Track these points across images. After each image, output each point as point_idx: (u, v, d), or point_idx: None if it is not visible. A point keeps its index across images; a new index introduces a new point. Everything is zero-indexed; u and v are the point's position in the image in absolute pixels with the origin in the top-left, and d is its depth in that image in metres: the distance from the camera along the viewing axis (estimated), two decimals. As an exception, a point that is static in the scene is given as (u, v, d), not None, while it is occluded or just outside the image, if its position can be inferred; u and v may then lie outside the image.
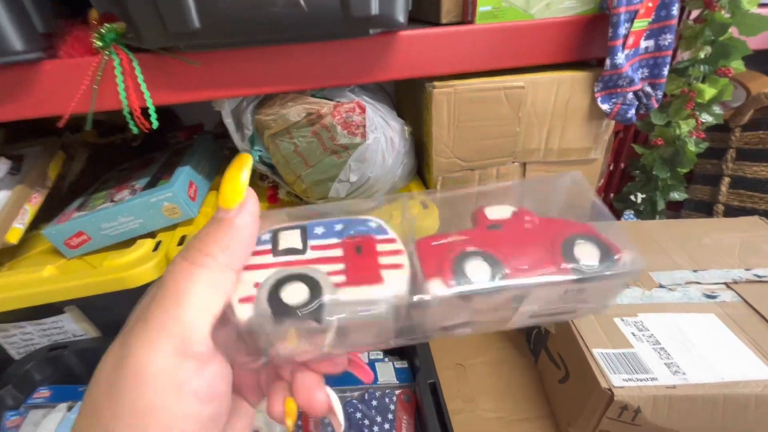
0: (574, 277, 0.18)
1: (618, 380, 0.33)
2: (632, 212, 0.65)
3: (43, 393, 0.44)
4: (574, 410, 0.37)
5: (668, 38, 0.44)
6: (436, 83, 0.45)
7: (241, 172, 0.17)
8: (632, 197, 0.63)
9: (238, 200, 0.17)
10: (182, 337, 0.15)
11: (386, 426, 0.38)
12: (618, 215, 0.67)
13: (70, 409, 0.42)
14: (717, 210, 0.64)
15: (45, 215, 0.49)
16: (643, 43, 0.45)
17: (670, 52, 0.45)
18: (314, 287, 0.17)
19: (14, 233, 0.45)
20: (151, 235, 0.48)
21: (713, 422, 0.32)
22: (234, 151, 0.57)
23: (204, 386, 0.16)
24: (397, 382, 0.43)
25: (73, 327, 0.49)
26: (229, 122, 0.46)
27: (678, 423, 0.32)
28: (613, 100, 0.47)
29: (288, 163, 0.47)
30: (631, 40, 0.44)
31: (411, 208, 0.22)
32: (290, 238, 0.19)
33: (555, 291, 0.18)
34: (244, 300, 0.17)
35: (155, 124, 0.38)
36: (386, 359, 0.46)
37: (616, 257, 0.18)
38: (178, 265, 0.16)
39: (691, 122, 0.53)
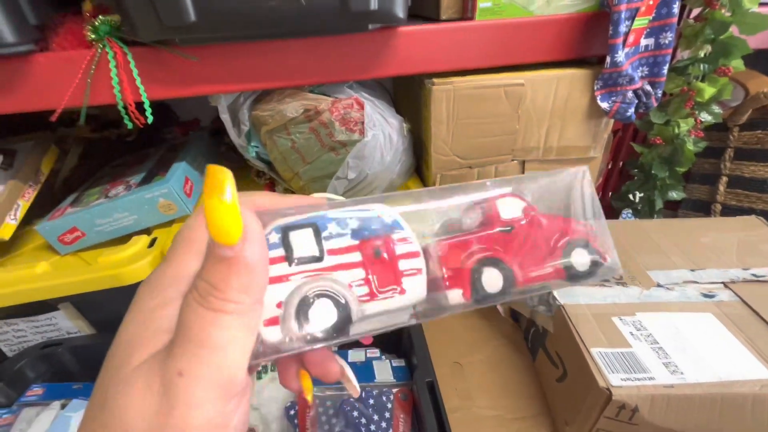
0: (568, 282, 0.20)
1: (616, 379, 0.33)
2: (630, 211, 0.65)
3: (36, 391, 0.44)
4: (572, 409, 0.37)
5: (668, 36, 0.44)
6: (435, 80, 0.44)
7: (224, 194, 0.14)
8: (630, 196, 0.63)
9: (238, 233, 0.14)
10: (226, 382, 0.15)
11: (383, 424, 0.38)
12: (616, 214, 0.67)
13: (63, 407, 0.42)
14: (715, 209, 0.64)
15: (38, 211, 0.48)
16: (644, 41, 0.45)
17: (670, 51, 0.45)
18: (340, 304, 0.18)
19: (6, 229, 0.44)
20: (147, 231, 0.47)
21: (710, 422, 0.32)
22: (231, 148, 0.57)
23: (242, 418, 0.16)
24: (395, 380, 0.42)
25: (67, 324, 0.48)
26: (225, 118, 0.45)
27: (675, 422, 0.32)
28: (612, 99, 0.47)
29: (285, 159, 0.46)
30: (631, 38, 0.43)
31: (421, 202, 0.21)
32: (304, 242, 0.18)
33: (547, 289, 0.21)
34: (270, 322, 0.17)
35: (150, 119, 0.37)
36: (383, 357, 0.46)
37: (603, 264, 0.21)
38: (199, 313, 0.15)
39: (690, 121, 0.53)
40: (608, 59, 0.43)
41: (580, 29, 0.44)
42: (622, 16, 0.41)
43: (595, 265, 0.21)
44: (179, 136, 0.66)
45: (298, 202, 0.20)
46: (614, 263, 0.21)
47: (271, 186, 0.55)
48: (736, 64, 0.49)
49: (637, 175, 0.62)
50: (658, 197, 0.60)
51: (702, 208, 0.66)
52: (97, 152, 0.60)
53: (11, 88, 0.36)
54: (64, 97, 0.36)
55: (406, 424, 0.39)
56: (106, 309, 0.46)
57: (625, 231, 0.50)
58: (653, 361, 0.34)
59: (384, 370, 0.44)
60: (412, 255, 0.19)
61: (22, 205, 0.46)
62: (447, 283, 0.19)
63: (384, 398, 0.40)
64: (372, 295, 0.18)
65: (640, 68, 0.47)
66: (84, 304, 0.47)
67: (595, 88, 0.47)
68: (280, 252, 0.17)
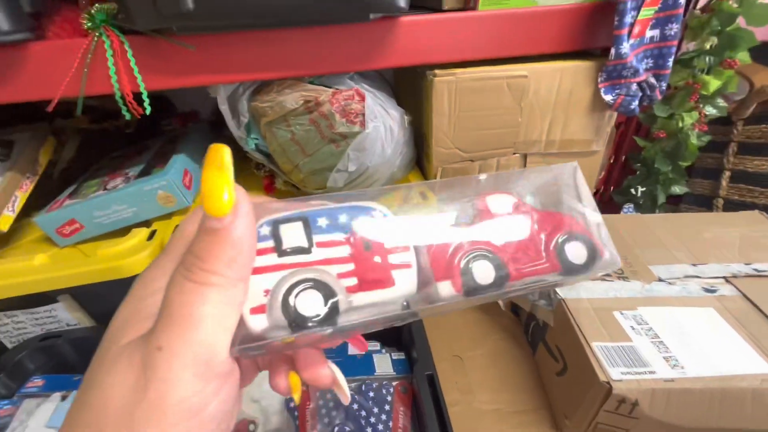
0: (564, 277, 0.20)
1: (616, 373, 0.33)
2: (632, 206, 0.64)
3: (36, 382, 0.44)
4: (572, 403, 0.37)
5: (674, 28, 0.43)
6: (437, 71, 0.44)
7: (222, 169, 0.15)
8: (632, 190, 0.62)
9: (228, 206, 0.15)
10: (205, 360, 0.15)
11: (383, 417, 0.38)
12: (618, 208, 0.66)
13: (63, 398, 0.42)
14: (717, 204, 0.63)
15: (36, 203, 0.48)
16: (649, 33, 0.44)
17: (675, 42, 0.44)
18: (328, 293, 0.17)
19: (4, 221, 0.44)
20: (146, 223, 0.47)
21: (711, 416, 0.32)
22: (230, 140, 0.56)
23: (222, 407, 0.16)
24: (395, 373, 0.42)
25: (66, 316, 0.48)
26: (224, 109, 0.45)
27: (675, 416, 0.32)
28: (616, 91, 0.46)
29: (285, 151, 0.46)
30: (636, 29, 0.43)
31: (411, 199, 0.21)
32: (293, 234, 0.18)
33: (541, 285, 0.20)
34: (256, 310, 0.17)
35: (148, 110, 0.37)
36: (383, 351, 0.46)
37: (600, 258, 0.20)
38: (183, 287, 0.15)
39: (695, 115, 0.52)
40: (613, 51, 0.43)
41: (584, 20, 0.43)
42: (628, 6, 0.40)
43: (591, 258, 0.20)
44: (178, 128, 0.65)
45: (289, 208, 0.20)
46: (612, 257, 0.20)
47: (271, 178, 0.54)
48: (742, 56, 0.48)
49: (640, 170, 0.61)
50: (660, 192, 0.59)
51: (704, 202, 0.66)
52: (95, 144, 0.59)
53: (6, 78, 0.35)
54: (61, 86, 0.35)
55: (406, 417, 0.39)
56: (106, 301, 0.46)
57: (626, 225, 0.50)
58: (654, 355, 0.34)
59: (384, 363, 0.44)
60: (402, 249, 0.19)
61: (20, 196, 0.46)
62: (438, 276, 0.19)
63: (384, 391, 0.40)
64: (360, 287, 0.18)
65: (645, 60, 0.46)
66: (83, 296, 0.47)
67: (599, 80, 0.46)
68: (270, 243, 0.18)
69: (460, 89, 0.45)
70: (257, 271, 0.17)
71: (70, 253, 0.46)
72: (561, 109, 0.48)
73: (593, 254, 0.20)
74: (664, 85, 0.46)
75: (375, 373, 0.42)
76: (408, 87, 0.54)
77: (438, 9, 0.42)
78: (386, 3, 0.34)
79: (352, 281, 0.18)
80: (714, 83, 0.49)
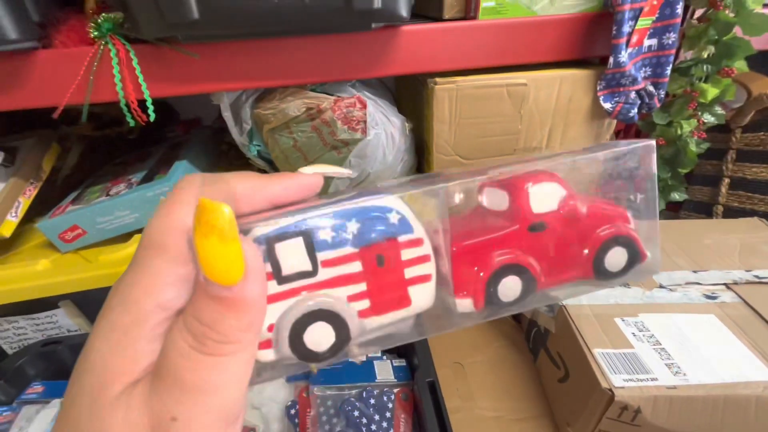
0: (596, 281, 0.18)
1: (618, 380, 0.32)
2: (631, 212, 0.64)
3: (36, 388, 0.44)
4: (574, 410, 0.37)
5: (672, 37, 0.44)
6: (437, 79, 0.44)
7: (224, 239, 0.12)
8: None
9: (239, 274, 0.13)
10: (225, 417, 0.14)
11: (384, 424, 0.38)
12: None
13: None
14: (716, 211, 0.64)
15: (39, 208, 0.48)
16: (647, 42, 0.45)
17: (673, 51, 0.45)
18: (338, 324, 0.16)
19: (7, 226, 0.44)
20: (148, 229, 0.47)
21: (713, 423, 0.32)
22: (232, 147, 0.57)
23: None
24: (396, 380, 0.42)
25: (67, 322, 0.48)
26: (227, 116, 0.45)
27: (678, 424, 0.32)
28: (615, 99, 0.47)
29: (287, 158, 0.46)
30: (634, 39, 0.43)
31: (433, 193, 0.18)
32: (293, 255, 0.15)
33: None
34: (263, 346, 0.16)
35: (152, 117, 0.37)
36: (384, 358, 0.45)
37: (640, 263, 0.18)
38: (193, 358, 0.13)
39: (693, 122, 0.53)
40: (611, 59, 0.43)
41: (583, 29, 0.44)
42: (626, 16, 0.41)
43: (630, 264, 0.18)
44: (181, 135, 0.66)
45: (284, 182, 0.16)
46: (654, 261, 0.18)
47: (273, 185, 0.55)
48: (740, 65, 0.49)
49: (639, 176, 0.61)
50: (660, 198, 0.59)
51: (704, 209, 0.66)
52: (98, 150, 0.60)
53: (13, 85, 0.35)
54: (66, 94, 0.36)
55: (407, 425, 0.39)
56: (107, 307, 0.46)
57: (627, 232, 0.50)
58: (656, 362, 0.34)
59: (385, 369, 0.44)
60: (420, 260, 0.16)
61: (23, 202, 0.46)
62: (458, 290, 0.17)
63: (385, 398, 0.40)
64: (373, 310, 0.16)
65: (643, 69, 0.46)
66: (84, 302, 0.47)
67: (598, 88, 0.46)
68: (266, 269, 0.15)
69: (460, 97, 0.45)
70: None
71: (71, 258, 0.46)
72: (560, 117, 0.48)
73: (633, 260, 0.18)
74: (662, 93, 0.47)
75: (376, 380, 0.42)
76: (409, 95, 0.55)
77: (439, 18, 0.43)
78: (388, 12, 0.35)
79: (365, 304, 0.16)
80: (712, 91, 0.50)
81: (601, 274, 0.18)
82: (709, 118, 0.52)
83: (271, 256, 0.15)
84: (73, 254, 0.46)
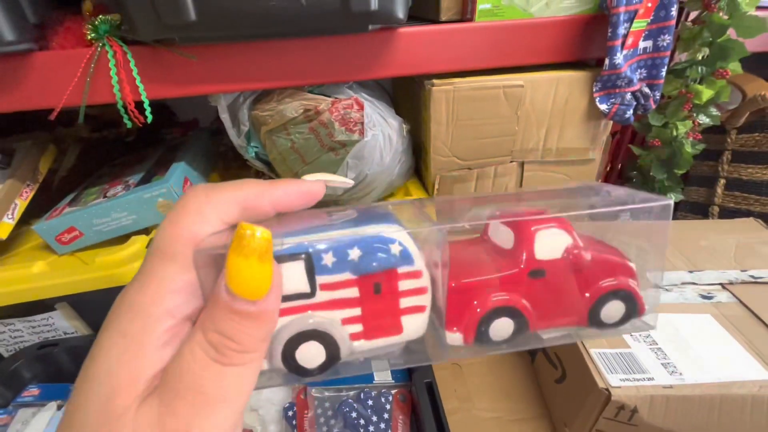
0: (585, 330, 0.18)
1: (615, 380, 0.33)
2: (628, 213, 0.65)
3: (32, 391, 0.44)
4: (571, 410, 0.37)
5: (667, 39, 0.44)
6: (435, 81, 0.45)
7: (265, 260, 0.13)
8: (629, 198, 0.63)
9: (265, 290, 0.14)
10: (238, 423, 0.15)
11: (382, 426, 0.38)
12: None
13: (59, 407, 0.42)
14: (712, 212, 0.64)
15: (36, 210, 0.48)
16: (642, 44, 0.45)
17: (668, 53, 0.45)
18: (329, 344, 0.16)
19: (4, 228, 0.44)
20: (145, 231, 0.47)
21: (709, 422, 0.32)
22: (230, 149, 0.57)
23: None
24: (393, 381, 0.42)
25: (63, 324, 0.48)
26: (225, 118, 0.45)
27: (674, 423, 0.32)
28: (611, 101, 0.47)
29: (285, 159, 0.46)
30: (630, 41, 0.44)
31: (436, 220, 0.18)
32: (294, 276, 0.16)
33: None
34: None
35: (150, 119, 0.37)
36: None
37: (635, 318, 0.18)
38: (212, 370, 0.14)
39: (688, 123, 0.53)
40: (607, 61, 0.44)
41: (579, 31, 0.44)
42: (621, 18, 0.41)
43: (626, 317, 0.18)
44: (178, 137, 0.66)
45: (286, 188, 0.17)
46: (650, 319, 0.18)
47: (270, 186, 0.55)
48: (734, 66, 0.49)
49: (636, 177, 0.62)
50: (656, 199, 0.60)
51: (700, 210, 0.66)
52: (95, 152, 0.60)
53: (10, 87, 0.35)
54: (63, 95, 0.35)
55: (405, 426, 0.39)
56: (104, 309, 0.45)
57: (623, 232, 0.50)
58: (652, 361, 0.34)
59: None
60: (417, 292, 0.17)
61: (20, 204, 0.46)
62: (449, 324, 0.17)
63: (383, 399, 0.40)
64: (365, 335, 0.17)
65: (639, 70, 0.47)
66: (81, 304, 0.47)
67: (594, 90, 0.47)
68: None
69: (457, 98, 0.45)
70: None
71: (68, 260, 0.46)
72: (557, 118, 0.48)
73: (630, 314, 0.18)
74: (657, 94, 0.47)
75: (374, 381, 0.42)
76: (406, 96, 0.55)
77: (436, 20, 0.43)
78: (385, 14, 0.35)
79: (357, 328, 0.16)
80: (707, 93, 0.50)
81: (596, 324, 0.18)
82: (704, 120, 0.53)
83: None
84: (70, 256, 0.46)
